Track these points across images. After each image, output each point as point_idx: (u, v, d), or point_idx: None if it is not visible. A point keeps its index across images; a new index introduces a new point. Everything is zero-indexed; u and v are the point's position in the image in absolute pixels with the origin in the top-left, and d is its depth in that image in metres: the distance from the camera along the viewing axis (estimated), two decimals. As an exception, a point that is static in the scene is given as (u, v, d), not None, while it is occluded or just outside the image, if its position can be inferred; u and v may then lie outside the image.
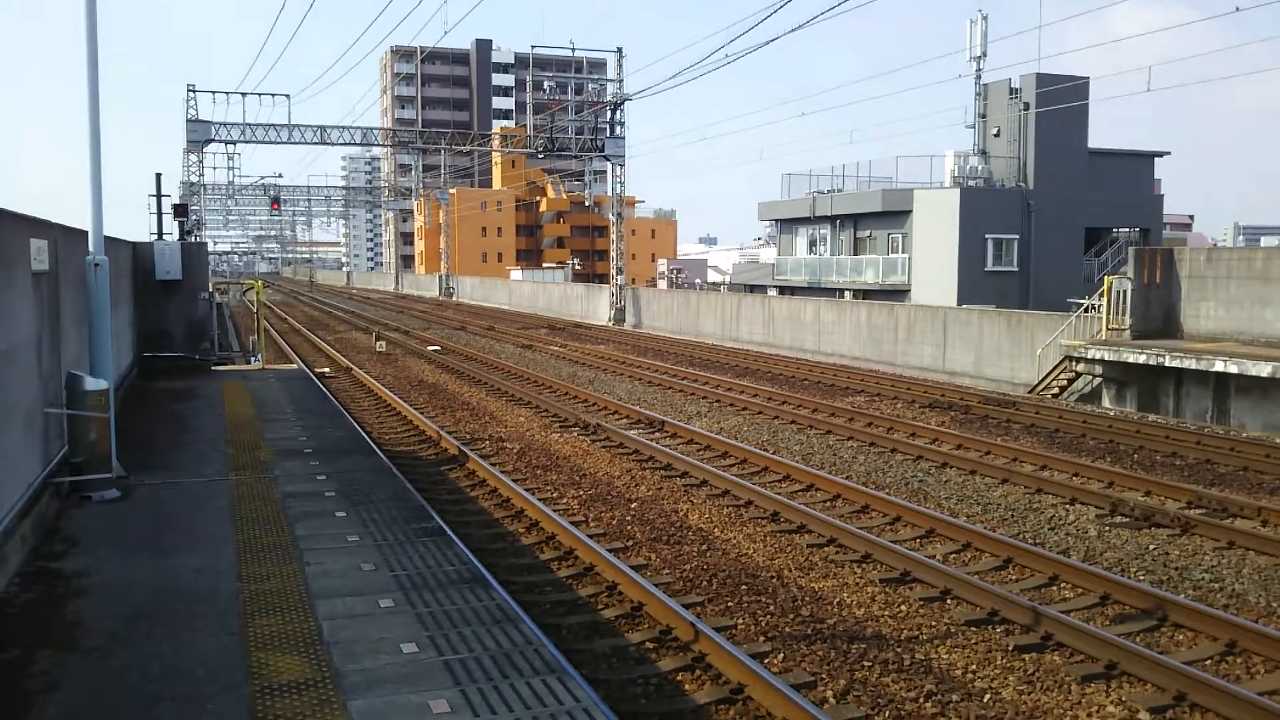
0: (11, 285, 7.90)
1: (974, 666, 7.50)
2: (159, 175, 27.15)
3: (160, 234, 27.01)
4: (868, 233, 45.66)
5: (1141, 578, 9.57)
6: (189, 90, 42.66)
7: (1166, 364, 20.34)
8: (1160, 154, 47.72)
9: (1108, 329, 23.21)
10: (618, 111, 45.70)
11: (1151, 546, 10.57)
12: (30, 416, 8.53)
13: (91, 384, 9.74)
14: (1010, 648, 7.79)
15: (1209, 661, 7.61)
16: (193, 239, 31.90)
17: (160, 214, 26.80)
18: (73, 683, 5.47)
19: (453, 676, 5.56)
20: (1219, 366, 19.31)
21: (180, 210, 27.86)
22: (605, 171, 56.64)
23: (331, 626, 6.27)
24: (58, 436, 9.68)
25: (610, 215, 49.10)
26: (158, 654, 5.83)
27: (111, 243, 12.45)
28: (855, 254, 46.07)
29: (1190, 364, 19.88)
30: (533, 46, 48.21)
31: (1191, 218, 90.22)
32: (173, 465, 11.14)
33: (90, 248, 10.71)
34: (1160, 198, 47.16)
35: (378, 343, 33.45)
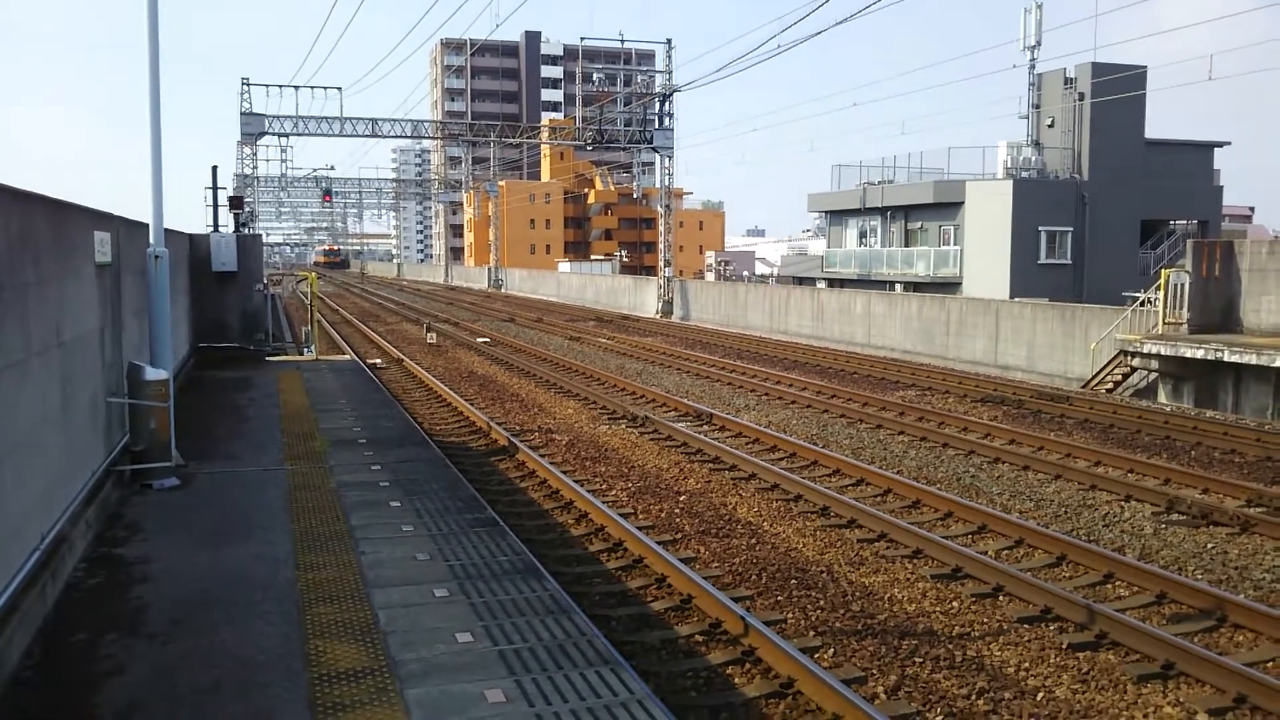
0: (77, 277, 8.09)
1: (1027, 664, 7.43)
2: (215, 168, 27.42)
3: (216, 226, 27.39)
4: (919, 224, 45.20)
5: (1199, 577, 9.42)
6: (243, 83, 43.25)
7: (1225, 359, 19.95)
8: (1220, 144, 46.65)
9: (1164, 323, 22.80)
10: (666, 103, 45.66)
11: (1210, 545, 10.39)
12: (94, 405, 8.74)
13: (152, 374, 9.96)
14: (1064, 646, 7.71)
15: (1270, 664, 7.47)
16: (247, 231, 32.35)
17: (216, 206, 27.13)
18: (138, 665, 5.61)
19: (507, 666, 5.62)
20: (1280, 362, 18.91)
21: (236, 203, 28.20)
22: (653, 163, 56.52)
23: (388, 615, 6.36)
24: (119, 425, 9.90)
25: (659, 207, 49.11)
26: (219, 640, 5.96)
27: (170, 235, 12.68)
28: (906, 246, 45.63)
29: (1250, 359, 19.49)
30: (582, 38, 48.49)
31: (1252, 209, 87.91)
32: (230, 454, 11.35)
33: (151, 240, 10.93)
34: (1220, 189, 46.13)
35: (428, 334, 33.73)
